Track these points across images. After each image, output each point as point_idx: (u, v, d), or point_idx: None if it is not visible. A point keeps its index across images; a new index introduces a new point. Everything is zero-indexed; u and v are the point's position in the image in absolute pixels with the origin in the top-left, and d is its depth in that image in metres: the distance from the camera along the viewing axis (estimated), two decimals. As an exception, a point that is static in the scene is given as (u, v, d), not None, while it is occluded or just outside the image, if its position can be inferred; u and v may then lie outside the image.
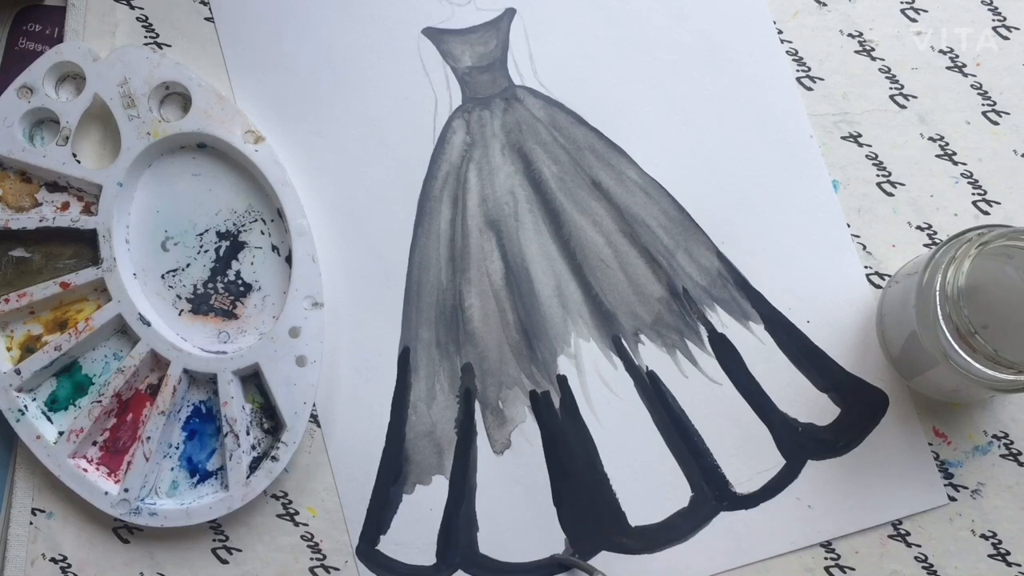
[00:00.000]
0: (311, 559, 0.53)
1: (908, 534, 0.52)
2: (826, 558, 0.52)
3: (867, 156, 0.55)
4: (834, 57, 0.56)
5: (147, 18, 0.57)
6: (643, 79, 0.56)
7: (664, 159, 0.55)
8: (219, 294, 0.55)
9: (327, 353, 0.54)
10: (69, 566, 0.53)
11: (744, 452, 0.53)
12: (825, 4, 0.57)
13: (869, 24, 0.56)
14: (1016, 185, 0.55)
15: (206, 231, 0.55)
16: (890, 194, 0.55)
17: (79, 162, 0.55)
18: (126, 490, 0.52)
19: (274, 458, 0.52)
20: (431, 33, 0.57)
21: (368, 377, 0.54)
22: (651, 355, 0.54)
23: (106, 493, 0.52)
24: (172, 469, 0.53)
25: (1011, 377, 0.44)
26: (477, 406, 0.54)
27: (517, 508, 0.53)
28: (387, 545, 0.53)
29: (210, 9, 0.57)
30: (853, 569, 0.52)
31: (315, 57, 0.57)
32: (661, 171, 0.55)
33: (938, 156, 0.55)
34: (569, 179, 0.56)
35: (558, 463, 0.53)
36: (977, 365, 0.44)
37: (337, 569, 0.53)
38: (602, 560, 0.52)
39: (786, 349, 0.54)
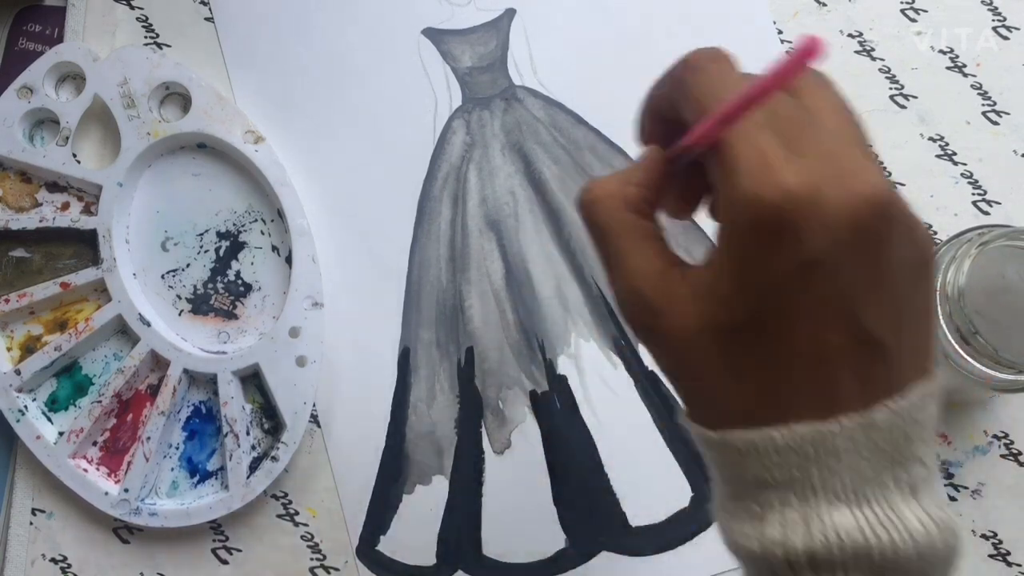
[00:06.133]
0: (311, 559, 0.53)
1: (908, 534, 0.52)
2: (826, 558, 0.52)
3: (867, 156, 0.55)
4: (834, 57, 0.56)
5: (147, 18, 0.57)
6: (643, 79, 0.56)
7: (664, 159, 0.55)
8: (219, 294, 0.55)
9: (327, 353, 0.53)
10: (69, 566, 0.53)
11: (744, 452, 0.53)
12: (825, 4, 0.56)
13: (869, 24, 0.56)
14: (1016, 185, 0.55)
15: (206, 231, 0.55)
16: (890, 194, 0.55)
17: (79, 162, 0.55)
18: (126, 490, 0.52)
19: (274, 458, 0.52)
20: (431, 33, 0.57)
21: (368, 377, 0.54)
22: (651, 355, 0.54)
23: (106, 493, 0.52)
24: (172, 469, 0.53)
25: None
26: (477, 406, 0.54)
27: (517, 508, 0.53)
28: (387, 545, 0.53)
29: (210, 9, 0.57)
30: (853, 569, 0.52)
31: (315, 57, 0.57)
32: (661, 171, 0.55)
33: (938, 156, 0.55)
34: (569, 179, 0.56)
35: (558, 463, 0.53)
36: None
37: (337, 569, 0.53)
38: (603, 561, 0.52)
39: (786, 349, 0.54)
